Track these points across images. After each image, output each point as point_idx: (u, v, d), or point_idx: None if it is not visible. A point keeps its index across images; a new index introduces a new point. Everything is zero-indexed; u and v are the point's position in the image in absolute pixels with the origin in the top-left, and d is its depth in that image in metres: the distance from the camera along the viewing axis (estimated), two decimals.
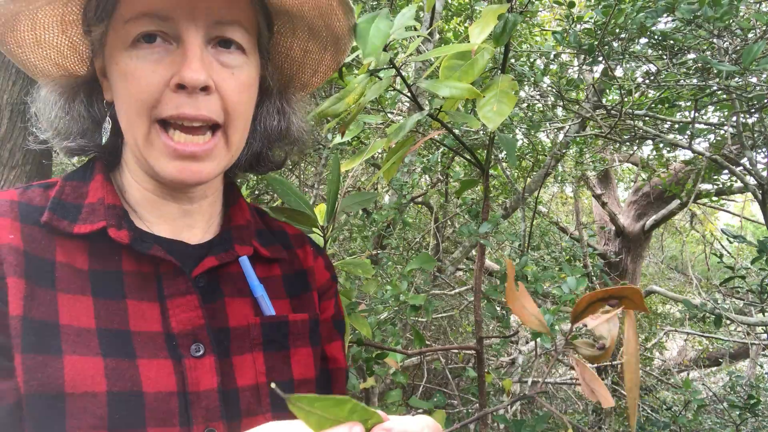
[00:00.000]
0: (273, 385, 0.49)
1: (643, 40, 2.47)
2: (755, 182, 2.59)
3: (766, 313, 2.92)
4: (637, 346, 0.50)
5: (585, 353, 0.53)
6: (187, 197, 0.84)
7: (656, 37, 2.29)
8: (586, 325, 0.51)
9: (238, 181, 0.99)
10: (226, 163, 0.80)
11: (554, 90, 2.92)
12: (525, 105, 3.26)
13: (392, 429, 0.50)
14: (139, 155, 0.77)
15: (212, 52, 0.76)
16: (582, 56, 2.51)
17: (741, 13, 2.24)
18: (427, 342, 4.32)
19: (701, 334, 4.01)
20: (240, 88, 0.78)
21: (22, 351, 0.67)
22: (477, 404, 2.68)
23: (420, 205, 4.48)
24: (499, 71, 1.25)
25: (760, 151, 2.92)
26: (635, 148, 4.37)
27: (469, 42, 0.98)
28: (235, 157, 0.83)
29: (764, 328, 3.54)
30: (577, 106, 3.17)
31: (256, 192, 4.23)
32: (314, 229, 1.26)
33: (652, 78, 2.62)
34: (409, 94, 1.16)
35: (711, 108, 3.22)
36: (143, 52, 0.74)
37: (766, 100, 2.35)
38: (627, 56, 2.43)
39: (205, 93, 0.74)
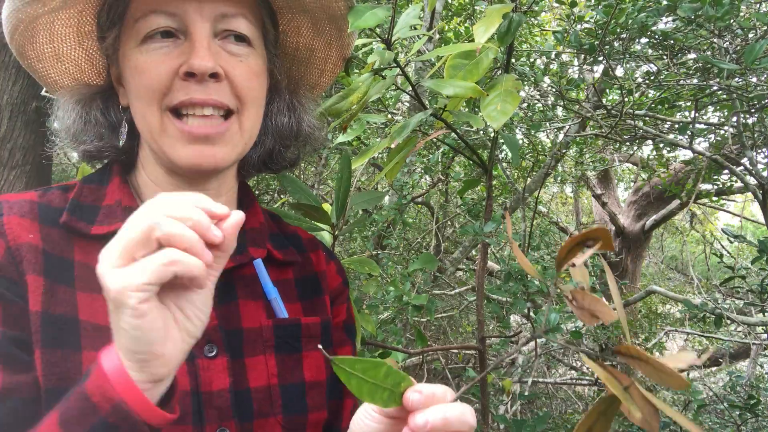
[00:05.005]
0: (319, 346, 0.57)
1: (644, 40, 2.47)
2: (755, 182, 2.60)
3: (766, 313, 2.92)
4: (617, 285, 0.61)
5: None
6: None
7: (657, 36, 2.29)
8: (574, 264, 0.60)
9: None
10: (240, 149, 0.82)
11: (554, 90, 2.92)
12: (525, 105, 3.26)
13: (422, 390, 0.60)
14: (155, 146, 0.79)
15: (219, 44, 0.79)
16: (582, 56, 2.51)
17: (742, 13, 2.24)
18: (428, 342, 4.32)
19: (701, 334, 4.00)
20: (249, 74, 0.80)
21: (42, 346, 0.68)
22: (478, 404, 2.67)
23: (420, 205, 4.48)
24: (502, 71, 1.25)
25: (760, 151, 2.92)
26: (635, 148, 4.37)
27: (472, 41, 0.98)
28: (249, 145, 0.84)
29: (764, 328, 3.54)
30: (578, 106, 3.17)
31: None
32: (325, 225, 1.25)
33: (652, 78, 2.62)
34: (412, 93, 1.16)
35: (711, 108, 3.23)
36: (153, 47, 0.77)
37: (766, 100, 2.35)
38: (627, 56, 2.43)
39: (215, 80, 0.77)
